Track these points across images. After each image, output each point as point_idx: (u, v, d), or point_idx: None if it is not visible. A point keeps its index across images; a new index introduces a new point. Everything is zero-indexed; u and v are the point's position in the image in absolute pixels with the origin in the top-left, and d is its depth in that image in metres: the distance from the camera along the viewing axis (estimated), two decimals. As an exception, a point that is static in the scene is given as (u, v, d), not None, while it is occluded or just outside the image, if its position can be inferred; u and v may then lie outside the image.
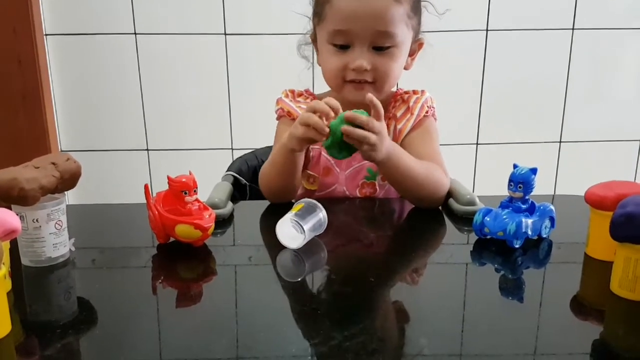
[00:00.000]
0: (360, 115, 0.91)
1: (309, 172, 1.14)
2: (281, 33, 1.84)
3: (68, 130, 1.97)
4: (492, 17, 1.89)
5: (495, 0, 1.87)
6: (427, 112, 1.13)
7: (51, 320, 0.69)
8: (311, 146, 1.13)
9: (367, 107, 0.96)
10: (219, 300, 0.74)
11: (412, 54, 1.12)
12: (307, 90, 1.18)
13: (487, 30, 1.91)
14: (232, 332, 0.66)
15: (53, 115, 1.92)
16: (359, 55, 1.03)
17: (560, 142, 2.04)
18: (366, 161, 1.07)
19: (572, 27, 1.92)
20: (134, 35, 1.87)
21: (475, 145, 2.03)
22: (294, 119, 1.09)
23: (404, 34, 1.04)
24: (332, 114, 0.93)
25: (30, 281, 0.77)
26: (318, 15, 1.08)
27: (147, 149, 1.99)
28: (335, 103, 0.94)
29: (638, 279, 0.69)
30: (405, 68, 1.12)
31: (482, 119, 1.99)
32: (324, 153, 1.12)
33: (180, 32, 1.87)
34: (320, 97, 1.15)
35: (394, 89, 1.17)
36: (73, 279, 0.80)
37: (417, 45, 1.12)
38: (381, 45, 1.03)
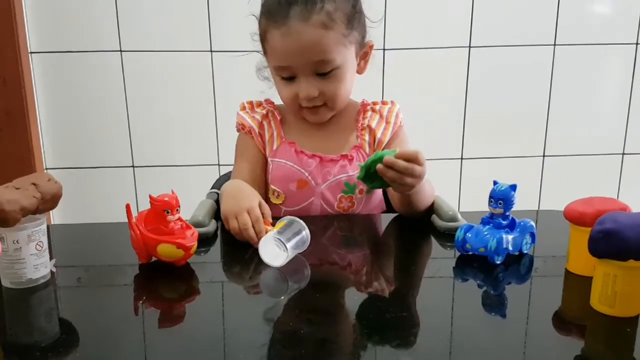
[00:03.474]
0: (399, 160, 0.92)
1: (272, 187, 1.15)
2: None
3: (53, 147, 1.96)
4: (475, 33, 1.92)
5: (477, 17, 1.90)
6: (401, 122, 1.17)
7: (32, 343, 0.68)
8: (270, 159, 1.15)
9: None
10: (202, 319, 0.73)
11: (364, 56, 1.14)
12: (267, 100, 1.20)
13: (469, 47, 1.93)
14: (216, 352, 0.66)
15: (38, 133, 1.91)
16: (305, 85, 1.06)
17: (543, 156, 2.06)
18: (343, 174, 1.11)
19: (553, 43, 1.95)
20: (119, 52, 1.87)
21: (460, 160, 2.04)
22: (247, 132, 1.16)
23: (343, 55, 1.06)
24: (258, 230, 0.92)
25: (11, 303, 0.77)
26: (263, 49, 1.11)
27: (133, 166, 1.98)
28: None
29: (617, 295, 0.69)
30: (359, 72, 1.14)
31: (466, 134, 2.01)
32: (296, 165, 1.13)
33: (166, 49, 1.88)
34: (280, 108, 1.18)
35: (359, 100, 1.20)
36: (54, 300, 0.80)
37: (367, 47, 1.14)
38: (323, 71, 1.05)
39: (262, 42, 1.09)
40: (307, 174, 1.13)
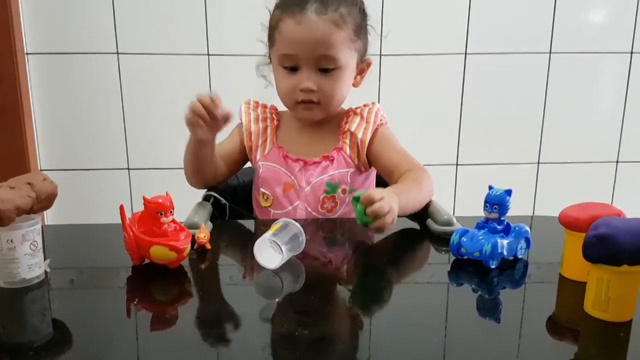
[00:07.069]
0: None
1: (262, 190, 1.19)
2: (264, 54, 1.85)
3: (48, 149, 1.95)
4: (471, 40, 1.93)
5: (473, 24, 1.91)
6: (381, 120, 1.19)
7: (24, 343, 0.68)
8: (261, 162, 1.19)
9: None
10: (196, 322, 0.73)
11: (361, 72, 1.18)
12: (272, 106, 1.23)
13: (465, 53, 1.94)
14: (210, 355, 0.65)
15: (33, 134, 1.91)
16: (307, 77, 1.09)
17: (538, 163, 2.07)
18: (325, 175, 1.15)
19: (549, 51, 1.96)
20: (116, 54, 1.87)
21: (455, 166, 2.05)
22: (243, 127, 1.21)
23: (346, 57, 1.10)
24: (209, 102, 1.07)
25: (4, 303, 0.76)
26: (270, 40, 1.15)
27: (129, 168, 1.98)
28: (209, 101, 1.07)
29: (611, 300, 0.70)
30: (355, 85, 1.18)
31: (462, 140, 2.02)
32: (283, 169, 1.17)
33: (163, 52, 1.88)
34: (284, 115, 1.22)
35: (345, 107, 1.22)
36: (48, 301, 0.79)
37: (365, 64, 1.18)
38: (326, 67, 1.09)
39: (272, 31, 1.12)
40: (292, 177, 1.17)
